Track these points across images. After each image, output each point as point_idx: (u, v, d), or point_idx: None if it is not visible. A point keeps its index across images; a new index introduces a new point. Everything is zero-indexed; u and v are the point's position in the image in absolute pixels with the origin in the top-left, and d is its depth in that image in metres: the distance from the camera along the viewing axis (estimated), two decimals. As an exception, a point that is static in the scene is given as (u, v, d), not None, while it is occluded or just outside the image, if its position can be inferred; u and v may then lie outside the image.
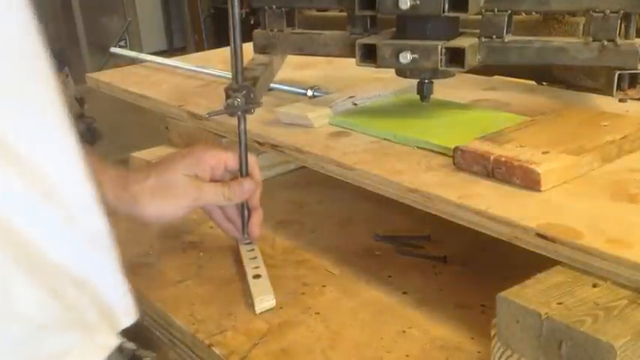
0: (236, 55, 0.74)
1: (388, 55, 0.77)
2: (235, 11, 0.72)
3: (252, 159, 0.79)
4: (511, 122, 0.78)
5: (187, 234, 0.90)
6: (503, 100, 0.94)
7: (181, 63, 1.24)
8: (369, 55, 0.79)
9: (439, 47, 0.74)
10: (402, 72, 0.82)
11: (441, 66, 0.75)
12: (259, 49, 0.95)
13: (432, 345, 0.65)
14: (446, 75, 0.81)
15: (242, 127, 0.77)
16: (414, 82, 0.85)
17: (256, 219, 0.81)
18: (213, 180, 0.78)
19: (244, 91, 0.75)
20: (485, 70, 1.07)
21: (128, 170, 0.79)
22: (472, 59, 0.76)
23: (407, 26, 0.78)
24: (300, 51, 0.92)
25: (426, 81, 0.82)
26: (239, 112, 0.76)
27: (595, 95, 0.93)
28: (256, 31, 0.94)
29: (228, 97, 0.76)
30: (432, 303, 0.72)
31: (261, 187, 0.81)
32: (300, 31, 0.92)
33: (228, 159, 0.78)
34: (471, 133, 0.74)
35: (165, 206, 0.75)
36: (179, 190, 0.75)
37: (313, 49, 0.91)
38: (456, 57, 0.75)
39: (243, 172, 0.78)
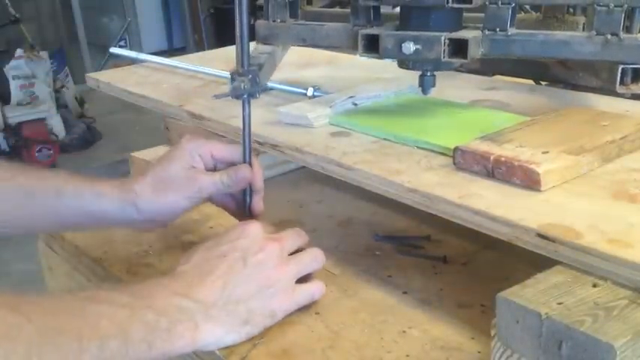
0: (242, 40, 0.74)
1: (391, 46, 0.77)
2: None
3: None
4: (511, 122, 0.78)
5: (187, 234, 0.90)
6: (503, 100, 0.94)
7: (181, 63, 1.24)
8: (372, 46, 0.79)
9: (442, 38, 0.74)
10: (404, 63, 0.82)
11: (444, 57, 0.75)
12: (262, 40, 0.96)
13: (432, 345, 0.65)
14: (448, 67, 0.81)
15: (247, 111, 0.76)
16: (414, 82, 0.85)
17: (258, 199, 0.80)
18: (208, 170, 0.78)
19: (250, 76, 0.75)
20: (485, 69, 1.07)
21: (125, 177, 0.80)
22: (475, 51, 0.75)
23: (410, 18, 0.78)
24: (303, 42, 0.92)
25: (428, 74, 0.82)
26: (245, 96, 0.76)
27: (595, 95, 0.93)
28: (259, 22, 0.95)
29: (233, 80, 0.76)
30: (432, 303, 0.72)
31: (263, 170, 0.80)
32: (302, 22, 0.93)
33: (214, 148, 0.78)
34: (470, 133, 0.74)
35: (168, 198, 0.76)
36: (178, 182, 0.76)
37: (315, 41, 0.91)
38: (459, 48, 0.75)
39: (246, 157, 0.77)
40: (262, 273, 0.67)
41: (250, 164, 0.78)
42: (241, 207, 0.80)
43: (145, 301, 0.61)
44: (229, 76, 0.77)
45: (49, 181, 0.77)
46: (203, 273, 0.66)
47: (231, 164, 0.78)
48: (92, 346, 0.56)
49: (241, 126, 0.77)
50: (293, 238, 0.72)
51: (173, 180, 0.76)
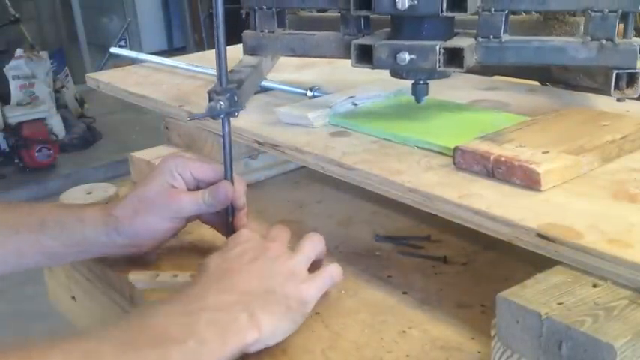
0: (219, 57, 0.72)
1: (385, 56, 0.76)
2: (219, 11, 0.70)
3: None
4: (511, 122, 0.78)
5: (187, 234, 0.90)
6: (503, 100, 0.94)
7: (181, 63, 1.24)
8: (365, 56, 0.78)
9: (437, 47, 0.74)
10: (397, 73, 0.81)
11: (439, 66, 0.74)
12: (249, 51, 0.93)
13: (432, 345, 0.65)
14: (442, 76, 0.80)
15: (226, 130, 0.75)
16: (414, 82, 0.85)
17: (241, 215, 0.78)
18: (190, 190, 0.77)
19: (228, 94, 0.73)
20: (485, 70, 1.07)
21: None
22: (470, 59, 0.75)
23: (403, 27, 0.77)
24: (292, 52, 0.90)
25: (421, 82, 0.81)
26: (222, 116, 0.74)
27: (595, 95, 0.93)
28: (246, 32, 0.92)
29: (211, 99, 0.74)
30: (432, 303, 0.72)
31: (245, 187, 0.78)
32: (291, 32, 0.91)
33: (193, 167, 0.76)
34: (471, 133, 0.74)
35: (148, 219, 0.74)
36: (157, 202, 0.74)
37: (305, 51, 0.89)
38: (454, 57, 0.74)
39: (227, 174, 0.76)
40: (280, 266, 0.67)
41: (232, 182, 0.76)
42: (225, 225, 0.78)
43: (198, 303, 0.61)
44: (207, 94, 0.75)
45: (33, 216, 0.76)
46: (231, 270, 0.65)
47: (213, 184, 0.76)
48: (173, 350, 0.56)
49: (222, 143, 0.75)
50: (283, 231, 0.73)
51: (153, 200, 0.74)
